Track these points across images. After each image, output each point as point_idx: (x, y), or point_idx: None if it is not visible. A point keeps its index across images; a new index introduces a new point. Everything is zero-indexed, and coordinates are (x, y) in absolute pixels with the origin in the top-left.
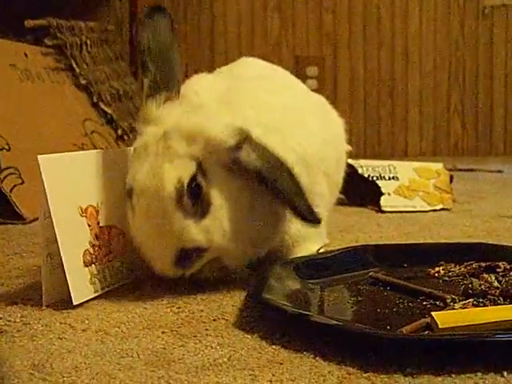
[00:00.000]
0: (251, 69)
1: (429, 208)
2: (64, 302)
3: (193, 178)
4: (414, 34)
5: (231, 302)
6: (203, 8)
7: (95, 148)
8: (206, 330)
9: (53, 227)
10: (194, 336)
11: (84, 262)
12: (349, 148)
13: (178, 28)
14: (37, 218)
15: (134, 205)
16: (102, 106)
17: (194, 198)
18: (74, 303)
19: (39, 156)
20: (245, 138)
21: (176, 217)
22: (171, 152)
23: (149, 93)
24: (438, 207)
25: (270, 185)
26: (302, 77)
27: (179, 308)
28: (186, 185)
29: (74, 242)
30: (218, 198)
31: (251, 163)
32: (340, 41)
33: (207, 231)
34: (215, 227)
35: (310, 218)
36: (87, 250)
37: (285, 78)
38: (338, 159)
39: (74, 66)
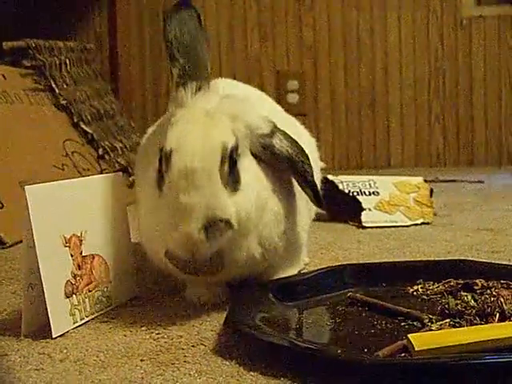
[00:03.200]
0: (229, 89)
1: (410, 223)
2: (42, 331)
3: (232, 149)
4: (393, 47)
5: (210, 327)
6: None
7: (76, 168)
8: (185, 356)
9: (36, 258)
10: (173, 363)
11: (65, 294)
12: (322, 165)
13: (158, 42)
14: (17, 243)
15: (173, 163)
16: (83, 125)
17: (231, 169)
18: (54, 336)
19: (26, 187)
20: (275, 127)
21: (216, 180)
22: (216, 123)
23: (179, 81)
24: (418, 221)
25: (298, 168)
26: (283, 91)
27: (158, 334)
28: (228, 151)
29: (57, 273)
30: (247, 178)
31: (283, 149)
32: (320, 54)
33: (237, 206)
34: (243, 205)
35: (321, 200)
36: (69, 280)
37: (260, 99)
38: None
39: (54, 86)
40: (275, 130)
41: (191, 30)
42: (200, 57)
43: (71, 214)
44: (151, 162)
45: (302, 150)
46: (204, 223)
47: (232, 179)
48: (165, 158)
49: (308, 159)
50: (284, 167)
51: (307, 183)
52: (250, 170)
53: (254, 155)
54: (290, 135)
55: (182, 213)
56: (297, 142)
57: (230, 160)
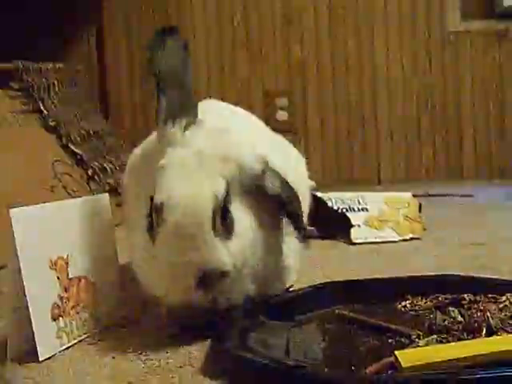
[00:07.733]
0: (216, 114)
1: (399, 238)
2: (29, 354)
3: (224, 197)
4: (381, 62)
5: (198, 347)
6: None
7: (65, 190)
8: (172, 377)
9: (22, 281)
10: None
11: (52, 316)
12: (311, 184)
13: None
14: (3, 266)
15: (164, 219)
16: (72, 146)
17: (223, 218)
18: (41, 359)
19: (11, 209)
20: (266, 166)
21: (209, 233)
22: (206, 171)
23: (168, 116)
24: (408, 237)
25: (287, 209)
26: (273, 108)
27: (147, 355)
28: (220, 201)
29: (43, 296)
30: (240, 224)
31: (274, 190)
32: (308, 72)
33: (232, 253)
34: (238, 252)
35: (305, 239)
36: (55, 303)
37: (247, 121)
38: (302, 197)
39: (42, 108)
40: (266, 169)
41: (179, 61)
42: (188, 90)
43: (57, 236)
44: (141, 206)
45: (291, 189)
46: (200, 277)
47: (225, 228)
48: (155, 210)
49: (297, 199)
50: (273, 205)
51: (296, 223)
52: (241, 212)
53: (245, 191)
54: (280, 174)
55: (176, 271)
56: (287, 182)
57: (223, 209)
